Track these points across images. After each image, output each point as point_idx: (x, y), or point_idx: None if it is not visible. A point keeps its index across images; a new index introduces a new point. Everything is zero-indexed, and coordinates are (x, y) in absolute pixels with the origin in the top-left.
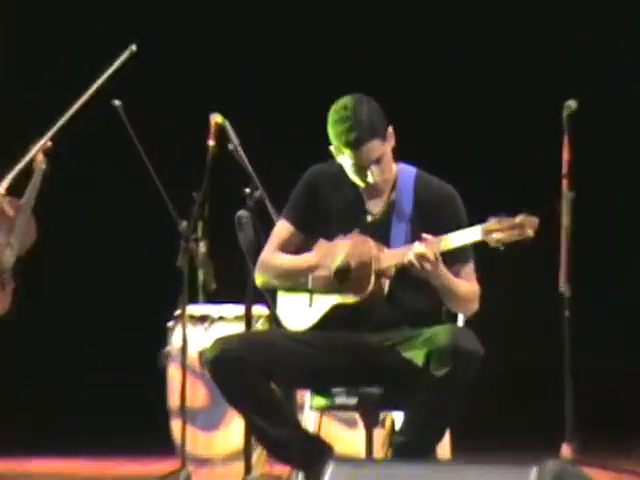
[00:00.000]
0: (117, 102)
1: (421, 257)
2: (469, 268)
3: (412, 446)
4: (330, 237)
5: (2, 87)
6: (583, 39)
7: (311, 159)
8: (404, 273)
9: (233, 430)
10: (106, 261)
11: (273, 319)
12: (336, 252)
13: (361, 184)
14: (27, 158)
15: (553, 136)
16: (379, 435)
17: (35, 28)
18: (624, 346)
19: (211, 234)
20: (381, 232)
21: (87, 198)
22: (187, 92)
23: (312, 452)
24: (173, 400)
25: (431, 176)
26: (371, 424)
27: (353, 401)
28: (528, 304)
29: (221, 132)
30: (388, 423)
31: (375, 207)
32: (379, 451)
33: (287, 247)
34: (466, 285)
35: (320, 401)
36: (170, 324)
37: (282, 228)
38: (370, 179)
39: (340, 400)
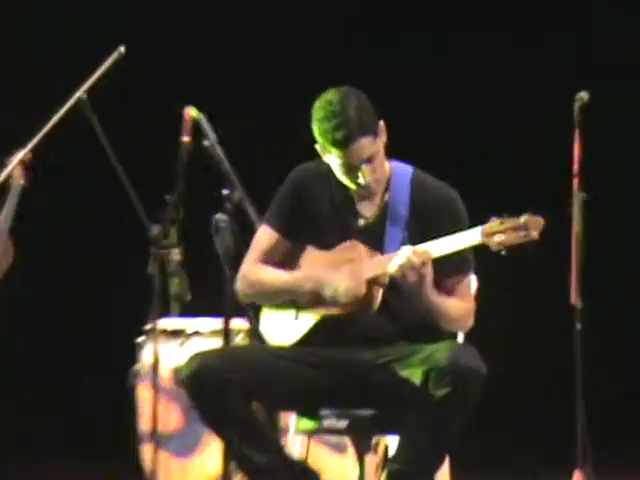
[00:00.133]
0: (82, 94)
1: (405, 264)
2: (467, 282)
3: (407, 474)
4: (319, 243)
5: None
6: (589, 32)
7: (297, 158)
8: (400, 282)
9: (210, 455)
10: (68, 270)
11: (254, 333)
12: (328, 275)
13: (351, 186)
14: (4, 173)
15: (563, 131)
16: (371, 461)
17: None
18: None
19: (185, 240)
20: (374, 237)
21: (49, 200)
22: (159, 84)
23: None
24: (144, 423)
25: (429, 176)
26: (363, 449)
27: (343, 424)
28: (536, 317)
29: (196, 127)
30: (381, 448)
31: (367, 210)
32: (371, 479)
33: (271, 256)
34: (457, 305)
35: (306, 424)
36: (140, 339)
37: (265, 235)
38: (361, 180)
39: (329, 423)
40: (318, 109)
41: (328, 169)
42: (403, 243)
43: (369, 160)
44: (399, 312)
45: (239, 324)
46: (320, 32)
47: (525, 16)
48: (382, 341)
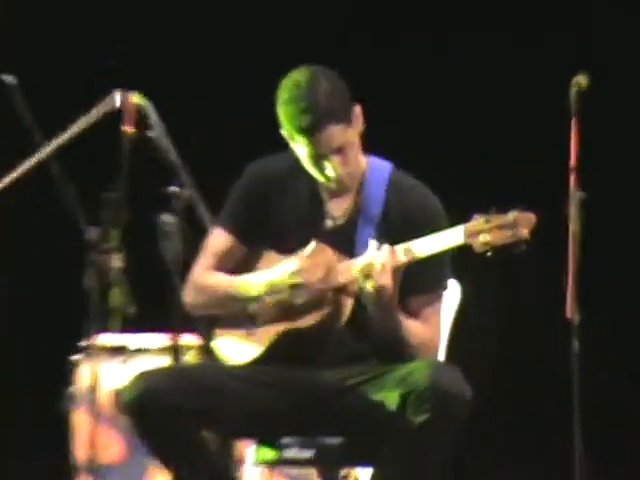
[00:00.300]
0: (9, 78)
1: (364, 269)
2: (437, 306)
3: None
4: (280, 248)
5: None
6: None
7: (259, 151)
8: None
9: None
10: None
11: (206, 350)
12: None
13: (320, 178)
14: None
15: (559, 121)
16: None
17: None
18: None
19: (128, 244)
20: (344, 240)
21: None
22: (98, 66)
23: None
24: (80, 453)
25: (408, 176)
26: None
27: (308, 454)
28: (528, 331)
29: (141, 116)
30: None
31: (337, 209)
32: None
33: (225, 262)
34: (418, 331)
35: (266, 454)
36: (75, 358)
37: (218, 238)
38: (330, 172)
39: (291, 453)
40: (284, 90)
41: (293, 163)
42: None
43: (340, 150)
44: (371, 326)
45: (189, 340)
46: (320, 32)
47: (525, 16)
48: (352, 360)
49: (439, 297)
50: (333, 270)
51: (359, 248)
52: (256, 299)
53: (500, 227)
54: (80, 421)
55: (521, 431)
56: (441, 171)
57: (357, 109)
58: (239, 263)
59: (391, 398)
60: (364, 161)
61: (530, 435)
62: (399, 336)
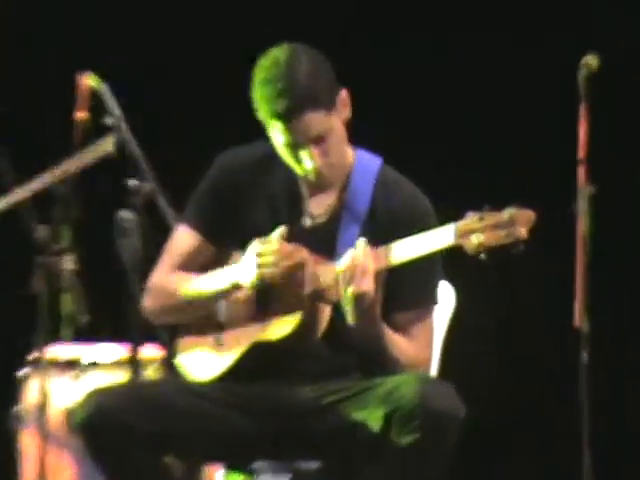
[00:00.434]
0: None
1: (345, 272)
2: (427, 320)
3: None
4: None
5: None
6: None
7: (232, 140)
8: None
9: None
10: None
11: (168, 365)
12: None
13: (297, 170)
14: None
15: (561, 117)
16: None
17: None
18: None
19: (81, 244)
20: (324, 241)
21: None
22: (52, 48)
23: None
24: (28, 477)
25: (398, 174)
26: None
27: None
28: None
29: (96, 100)
30: None
31: (319, 206)
32: None
33: (190, 263)
34: (405, 348)
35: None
36: (22, 373)
37: (183, 237)
38: (307, 164)
39: (264, 478)
40: (260, 70)
41: (270, 152)
42: None
43: (320, 139)
44: (351, 335)
45: (150, 352)
46: (320, 32)
47: (525, 16)
48: (330, 374)
49: (429, 312)
50: (310, 274)
51: (340, 249)
52: (223, 295)
53: (495, 226)
54: (28, 442)
55: (522, 432)
56: (442, 171)
57: (343, 94)
58: (206, 264)
59: (374, 417)
60: (351, 154)
61: (531, 435)
62: (382, 346)
